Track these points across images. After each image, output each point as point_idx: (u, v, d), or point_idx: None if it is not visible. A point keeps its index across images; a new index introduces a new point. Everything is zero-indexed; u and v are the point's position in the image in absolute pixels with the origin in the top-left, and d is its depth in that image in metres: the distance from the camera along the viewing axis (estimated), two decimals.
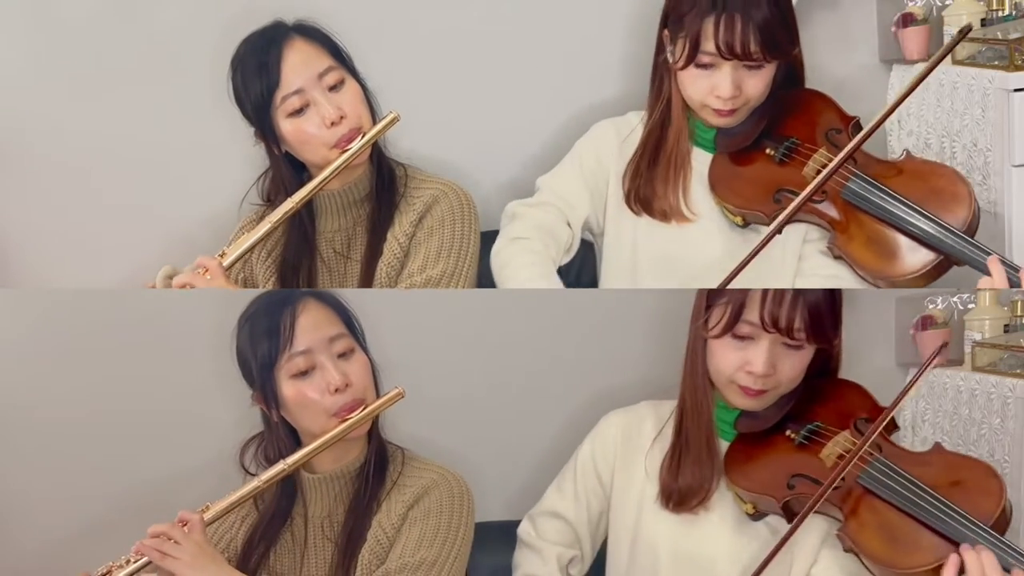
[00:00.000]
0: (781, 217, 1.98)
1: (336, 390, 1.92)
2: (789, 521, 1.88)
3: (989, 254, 1.92)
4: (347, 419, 1.93)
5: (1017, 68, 2.17)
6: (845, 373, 2.08)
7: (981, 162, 2.22)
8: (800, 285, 2.05)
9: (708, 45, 1.98)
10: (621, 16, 2.32)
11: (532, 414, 2.29)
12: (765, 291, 1.86)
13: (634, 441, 2.02)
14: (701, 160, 2.11)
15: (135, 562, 1.85)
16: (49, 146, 2.35)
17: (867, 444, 1.85)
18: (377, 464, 1.99)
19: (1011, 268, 1.91)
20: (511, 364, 2.31)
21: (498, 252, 2.13)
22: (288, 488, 2.01)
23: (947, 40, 2.32)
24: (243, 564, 1.98)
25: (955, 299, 2.38)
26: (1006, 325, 2.33)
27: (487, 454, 2.27)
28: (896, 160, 2.05)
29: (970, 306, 2.37)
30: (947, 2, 2.34)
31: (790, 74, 2.11)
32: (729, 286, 1.94)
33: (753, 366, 1.88)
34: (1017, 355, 2.26)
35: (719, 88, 2.01)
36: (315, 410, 1.93)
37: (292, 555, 2.00)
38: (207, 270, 2.02)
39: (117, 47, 2.33)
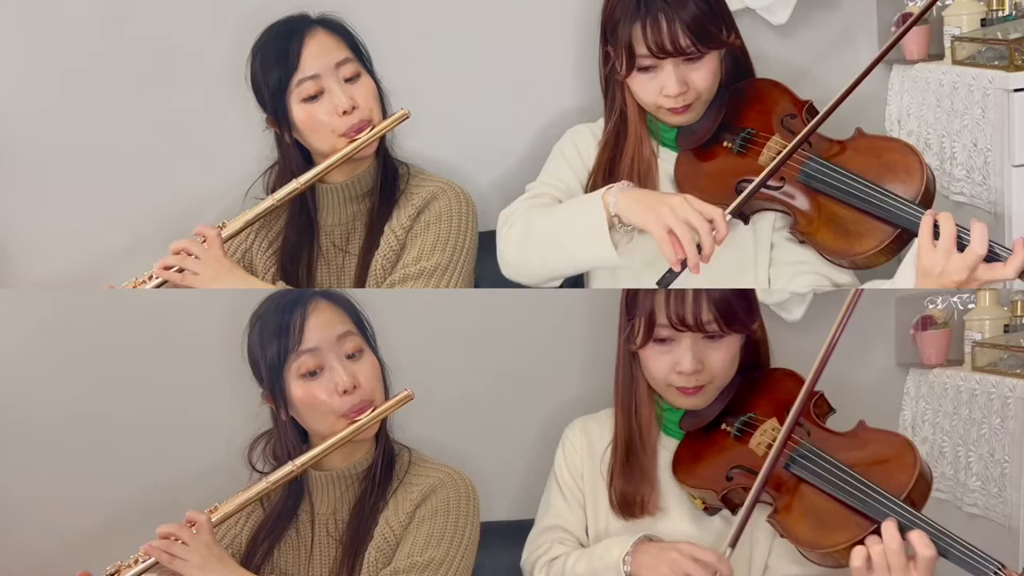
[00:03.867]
0: (732, 206, 1.99)
1: (345, 391, 1.93)
2: (732, 512, 1.92)
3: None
4: (356, 421, 1.94)
5: (1017, 68, 2.17)
6: (845, 373, 2.08)
7: (981, 162, 2.22)
8: (775, 273, 2.08)
9: (641, 48, 2.01)
10: None
11: (538, 414, 2.29)
12: (668, 294, 1.91)
13: (596, 448, 2.06)
14: (668, 159, 2.13)
15: (143, 562, 1.86)
16: (49, 146, 2.35)
17: (789, 430, 1.89)
18: (385, 464, 2.00)
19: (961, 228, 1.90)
20: (518, 364, 2.32)
21: (506, 244, 2.11)
22: (295, 486, 2.01)
23: (947, 40, 2.32)
24: (247, 561, 1.99)
25: (955, 299, 2.38)
26: (1006, 325, 2.33)
27: (492, 454, 2.27)
28: (848, 139, 2.06)
29: (970, 306, 2.37)
30: (947, 2, 2.34)
31: (738, 64, 2.13)
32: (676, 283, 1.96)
33: (681, 365, 1.92)
34: (1017, 355, 2.27)
35: (665, 87, 2.03)
36: (323, 411, 1.94)
37: (297, 553, 2.01)
38: (205, 239, 2.04)
39: (123, 44, 2.33)
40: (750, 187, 2.01)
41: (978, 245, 1.84)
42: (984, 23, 2.28)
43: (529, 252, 2.07)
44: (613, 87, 2.13)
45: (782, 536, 1.87)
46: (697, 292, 1.90)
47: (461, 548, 1.94)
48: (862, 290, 1.93)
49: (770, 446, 1.91)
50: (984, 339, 2.32)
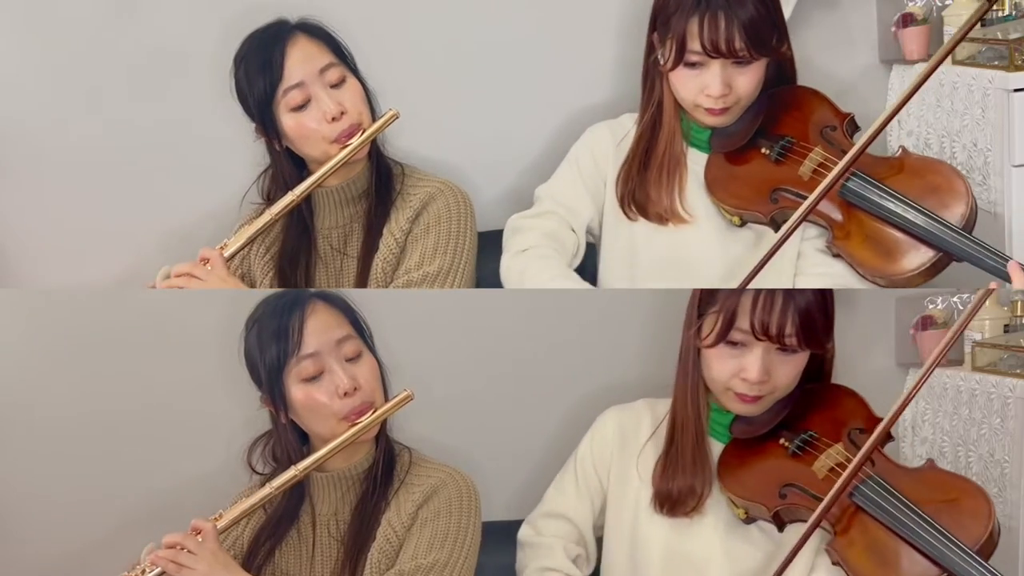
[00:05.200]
0: (787, 226, 1.97)
1: (345, 394, 1.93)
2: (779, 529, 1.89)
3: (994, 253, 1.91)
4: (357, 423, 1.93)
5: (1017, 68, 2.17)
6: (845, 373, 2.08)
7: (981, 162, 2.22)
8: (800, 283, 2.05)
9: (694, 44, 1.99)
10: (615, 17, 2.32)
11: (538, 414, 2.29)
12: (756, 297, 1.85)
13: (630, 439, 2.02)
14: (697, 161, 2.11)
15: (149, 573, 1.86)
16: (49, 146, 2.35)
17: (861, 463, 1.84)
18: (386, 465, 2.00)
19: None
20: (517, 364, 2.31)
21: (508, 267, 2.13)
22: (296, 488, 2.01)
23: (947, 40, 2.32)
24: (248, 562, 1.99)
25: (955, 299, 2.38)
26: (1006, 325, 2.33)
27: (493, 454, 2.27)
28: (893, 157, 2.05)
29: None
30: (947, 2, 2.34)
31: (782, 71, 2.11)
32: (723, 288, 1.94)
33: (748, 373, 1.88)
34: (1017, 355, 2.26)
35: (709, 87, 2.01)
36: (324, 414, 1.93)
37: (299, 554, 2.01)
38: (208, 261, 2.03)
39: (117, 47, 2.33)
40: (792, 220, 1.97)
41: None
42: (984, 23, 2.28)
43: (525, 286, 2.10)
44: (653, 77, 2.10)
45: (836, 564, 1.83)
46: (786, 301, 1.85)
47: (464, 549, 1.94)
48: (990, 290, 1.90)
49: (833, 470, 1.87)
50: (984, 339, 2.32)
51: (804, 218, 1.98)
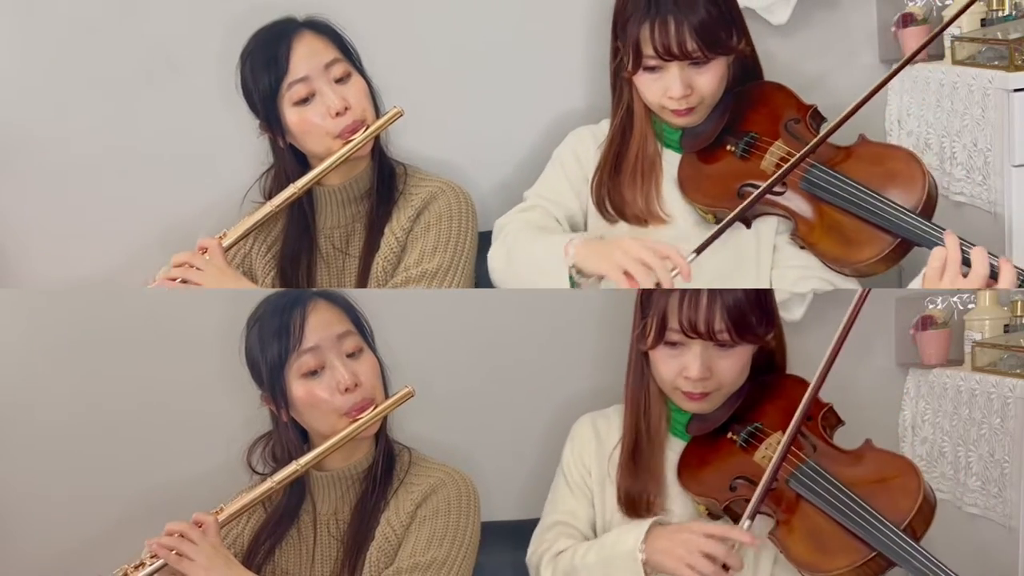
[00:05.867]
0: (728, 218, 1.99)
1: (346, 390, 1.93)
2: (735, 522, 1.90)
3: (943, 230, 1.91)
4: (357, 419, 1.94)
5: (1017, 68, 2.17)
6: (845, 373, 2.08)
7: (981, 162, 2.22)
8: (776, 276, 2.07)
9: (648, 49, 2.00)
10: (609, 19, 2.33)
11: (537, 413, 2.29)
12: (682, 297, 1.88)
13: (604, 444, 2.05)
14: (672, 161, 2.13)
15: (149, 565, 1.86)
16: (50, 145, 2.35)
17: (787, 446, 1.86)
18: (385, 464, 2.01)
19: (965, 243, 1.90)
20: (517, 363, 2.32)
21: (493, 255, 2.13)
22: (296, 486, 2.02)
23: (947, 40, 2.32)
24: (249, 560, 2.00)
25: (955, 299, 2.38)
26: (1006, 325, 2.33)
27: (492, 453, 2.27)
28: (851, 145, 2.05)
29: (970, 306, 2.37)
30: (947, 2, 2.34)
31: (747, 68, 2.12)
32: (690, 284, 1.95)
33: (689, 371, 1.90)
34: (1017, 355, 2.26)
35: (670, 89, 2.03)
36: (325, 410, 1.94)
37: (299, 552, 2.01)
38: (206, 250, 2.04)
39: (120, 44, 2.33)
40: (745, 202, 2.00)
41: (980, 268, 1.85)
42: (984, 23, 2.28)
43: (509, 275, 2.10)
44: (621, 83, 2.12)
45: (781, 553, 1.86)
46: (712, 298, 1.87)
47: (463, 548, 1.95)
48: (869, 291, 1.91)
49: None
50: (984, 339, 2.32)
51: (752, 205, 1.99)
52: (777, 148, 2.05)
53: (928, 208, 1.96)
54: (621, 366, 2.25)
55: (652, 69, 2.03)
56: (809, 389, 1.87)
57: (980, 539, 2.25)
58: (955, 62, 2.28)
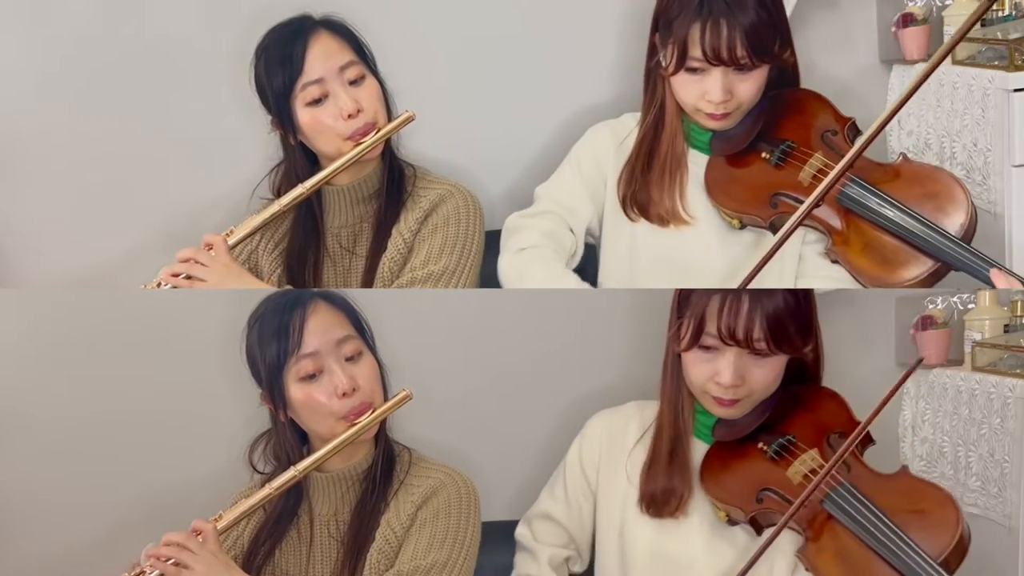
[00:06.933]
0: (783, 231, 1.97)
1: (344, 394, 1.93)
2: (758, 532, 1.90)
3: (989, 263, 1.90)
4: (356, 423, 1.94)
5: (1017, 68, 2.17)
6: (845, 373, 2.08)
7: (981, 162, 2.22)
8: (801, 286, 2.04)
9: (695, 51, 1.98)
10: (618, 18, 2.33)
11: (537, 414, 2.29)
12: (722, 301, 1.85)
13: (618, 442, 2.03)
14: (698, 163, 2.11)
15: (149, 573, 1.85)
16: (51, 147, 2.35)
17: (832, 469, 1.84)
18: (385, 465, 2.00)
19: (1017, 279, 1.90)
20: (517, 364, 2.32)
21: (507, 267, 2.13)
22: (295, 487, 2.01)
23: (947, 40, 2.32)
24: (248, 562, 1.99)
25: (955, 299, 2.38)
26: (1006, 325, 2.33)
27: (492, 454, 2.27)
28: (893, 164, 2.04)
29: (970, 306, 2.37)
30: (947, 2, 2.34)
31: (784, 75, 2.11)
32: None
33: (721, 377, 1.88)
34: (1017, 355, 2.26)
35: (709, 93, 2.01)
36: (323, 413, 1.94)
37: (298, 554, 2.01)
38: (212, 247, 2.04)
39: (126, 43, 2.33)
40: (789, 223, 1.96)
41: None
42: (984, 23, 2.28)
43: (524, 285, 2.11)
44: (655, 80, 2.10)
45: (808, 571, 1.84)
46: (752, 304, 1.84)
47: (463, 549, 1.95)
48: (921, 360, 1.92)
49: (807, 476, 1.87)
50: (984, 339, 2.32)
51: (800, 222, 1.98)
52: (816, 160, 2.03)
53: (970, 233, 1.95)
54: (621, 367, 2.26)
55: (694, 71, 2.01)
56: (858, 429, 1.85)
57: (980, 539, 2.24)
58: (955, 62, 2.28)
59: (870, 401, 2.21)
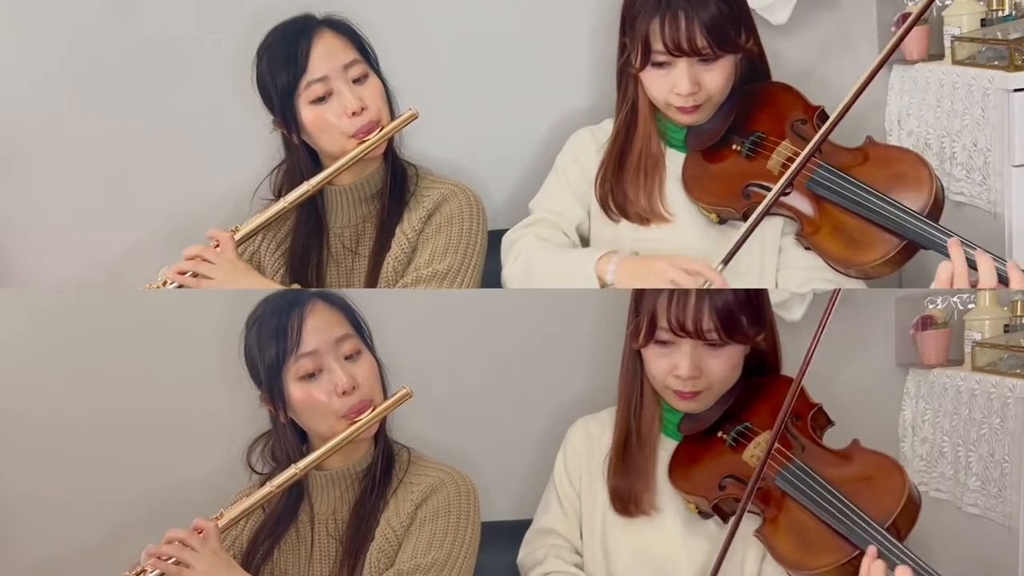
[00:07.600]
0: (753, 216, 1.99)
1: (343, 392, 1.93)
2: (724, 521, 1.92)
3: (949, 236, 1.90)
4: (356, 421, 1.94)
5: (1017, 68, 2.17)
6: (845, 373, 2.08)
7: (981, 162, 2.22)
8: (783, 278, 2.07)
9: (657, 44, 2.00)
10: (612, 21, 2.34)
11: (537, 414, 2.29)
12: (670, 296, 1.89)
13: (596, 448, 2.05)
14: (675, 160, 2.13)
15: (151, 572, 1.85)
16: (53, 146, 2.36)
17: (772, 444, 1.87)
18: (384, 464, 2.01)
19: (998, 260, 1.89)
20: (516, 364, 2.32)
21: (510, 275, 2.15)
22: (295, 486, 2.01)
23: (947, 40, 2.32)
24: (247, 561, 1.99)
25: (955, 299, 2.38)
26: (1006, 325, 2.33)
27: (492, 453, 2.27)
28: (859, 147, 2.05)
29: (970, 306, 2.37)
30: (947, 2, 2.34)
31: (755, 67, 2.12)
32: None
33: (679, 370, 1.92)
34: (1017, 355, 2.26)
35: (677, 85, 2.03)
36: (323, 412, 1.94)
37: (297, 553, 2.01)
38: (218, 243, 2.04)
39: (127, 42, 2.34)
40: (759, 209, 1.99)
41: (988, 279, 1.85)
42: (984, 23, 2.28)
43: (530, 279, 2.12)
44: (627, 79, 2.12)
45: (768, 551, 1.87)
46: (700, 298, 1.89)
47: (463, 548, 1.95)
48: (839, 291, 1.90)
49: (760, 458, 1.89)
50: (984, 339, 2.32)
51: (770, 207, 2.00)
52: (784, 148, 2.05)
53: (935, 211, 1.95)
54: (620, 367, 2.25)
55: (660, 65, 2.03)
56: (791, 388, 1.88)
57: (980, 539, 2.25)
58: (955, 62, 2.28)
59: (869, 401, 2.22)
